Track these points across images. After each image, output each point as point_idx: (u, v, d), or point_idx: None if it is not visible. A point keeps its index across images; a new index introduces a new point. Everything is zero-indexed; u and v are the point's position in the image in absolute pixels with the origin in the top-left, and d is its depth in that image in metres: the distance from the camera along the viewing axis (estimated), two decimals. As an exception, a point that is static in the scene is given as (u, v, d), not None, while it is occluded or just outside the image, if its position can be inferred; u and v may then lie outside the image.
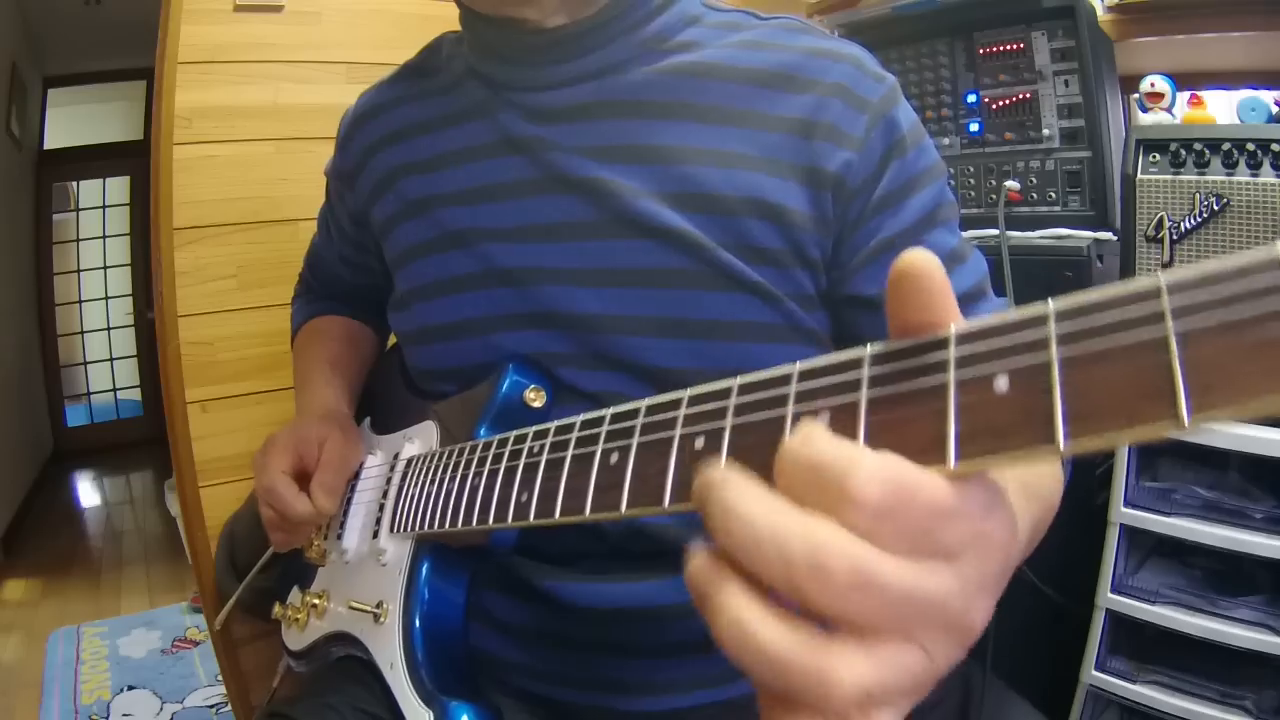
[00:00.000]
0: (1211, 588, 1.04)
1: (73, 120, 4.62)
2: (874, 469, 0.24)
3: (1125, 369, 0.23)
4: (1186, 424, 0.22)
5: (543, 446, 0.45)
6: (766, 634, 0.24)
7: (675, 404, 0.36)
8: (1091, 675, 1.08)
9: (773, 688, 0.25)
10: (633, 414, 0.39)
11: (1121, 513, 1.05)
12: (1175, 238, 1.05)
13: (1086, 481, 1.16)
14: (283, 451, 0.66)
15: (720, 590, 0.25)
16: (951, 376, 0.27)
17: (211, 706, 1.98)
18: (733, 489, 0.26)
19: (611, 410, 0.40)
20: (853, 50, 0.60)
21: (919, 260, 0.28)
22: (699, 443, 0.34)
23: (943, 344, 0.27)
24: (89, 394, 5.03)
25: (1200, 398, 0.22)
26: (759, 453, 0.31)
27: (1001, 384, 0.25)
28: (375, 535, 0.65)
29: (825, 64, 0.58)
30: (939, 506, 0.25)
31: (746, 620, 0.25)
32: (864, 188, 0.57)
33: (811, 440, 0.26)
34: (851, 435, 0.28)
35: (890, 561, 0.24)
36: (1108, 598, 1.06)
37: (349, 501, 0.70)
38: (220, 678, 1.77)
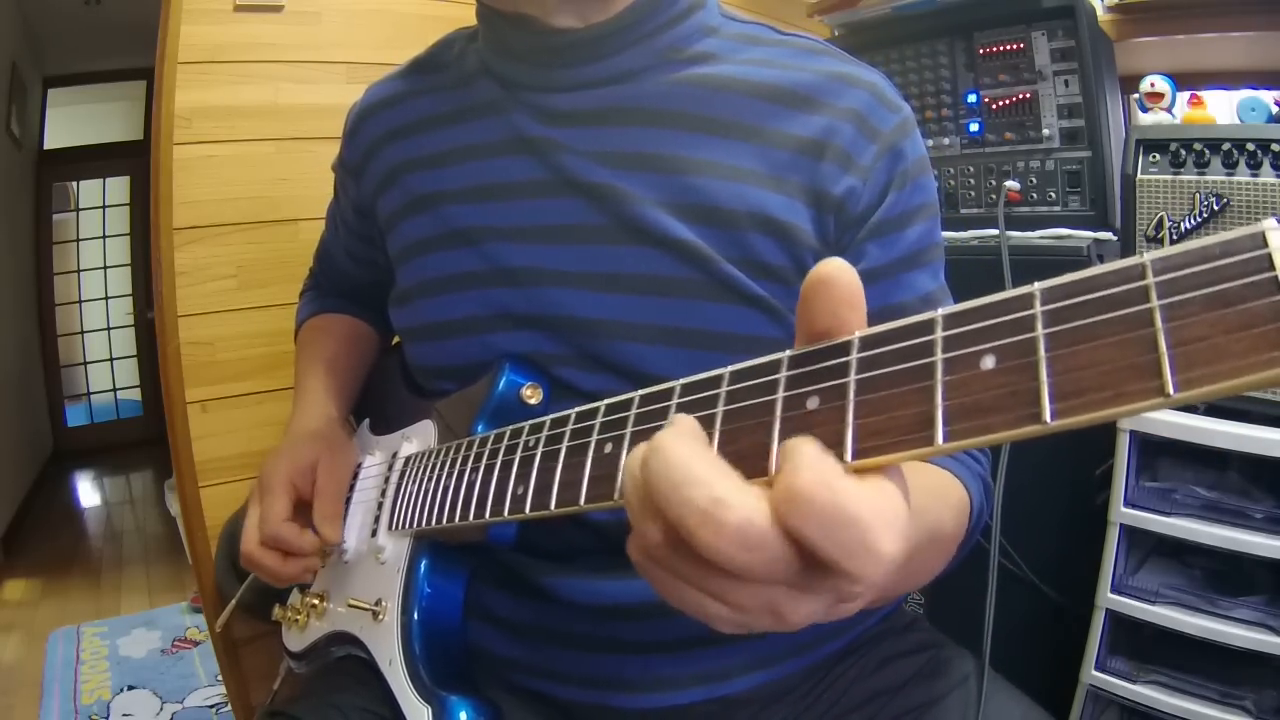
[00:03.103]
0: (1211, 588, 1.04)
1: (73, 120, 4.62)
2: (893, 525, 0.26)
3: (1111, 344, 0.23)
4: (1173, 398, 0.22)
5: (538, 440, 0.46)
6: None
7: (669, 393, 0.37)
8: (1091, 675, 1.08)
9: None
10: (627, 404, 0.39)
11: (1121, 513, 1.05)
12: (1175, 238, 1.04)
13: (1086, 481, 1.16)
14: (278, 495, 0.65)
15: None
16: (939, 356, 0.27)
17: (211, 706, 1.98)
18: (671, 433, 0.29)
19: (606, 402, 0.41)
20: (872, 77, 0.60)
21: (834, 269, 0.30)
22: None
23: (930, 326, 0.28)
24: (89, 394, 5.03)
25: (1186, 372, 0.22)
26: (750, 437, 0.32)
27: (988, 362, 0.26)
28: (374, 534, 0.65)
29: (842, 88, 0.58)
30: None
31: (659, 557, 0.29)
32: (863, 215, 0.58)
33: (833, 488, 0.26)
34: (841, 418, 0.29)
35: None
36: (1108, 598, 1.06)
37: (348, 502, 0.70)
38: (220, 678, 1.77)
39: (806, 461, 0.27)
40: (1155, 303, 0.23)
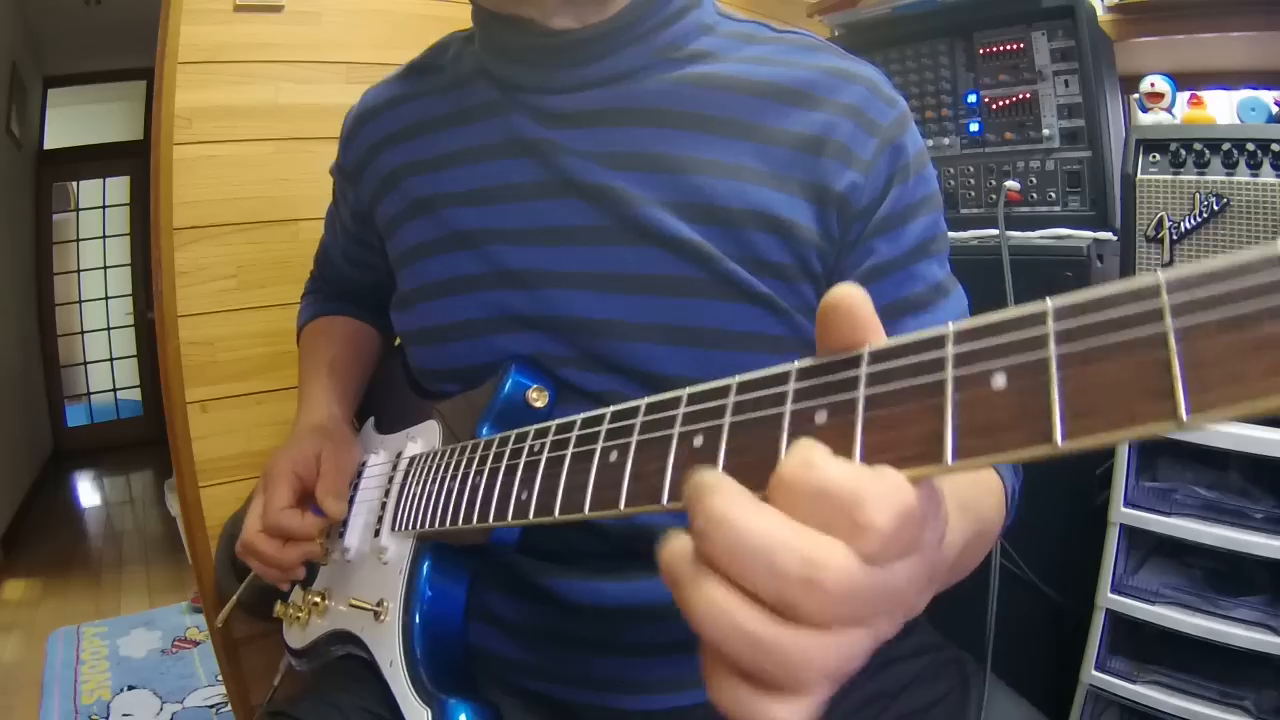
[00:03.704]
0: (1211, 588, 1.04)
1: (73, 120, 4.62)
2: (883, 499, 0.26)
3: (1124, 366, 0.23)
4: (1185, 422, 0.21)
5: (543, 445, 0.46)
6: (749, 621, 0.25)
7: (675, 402, 0.36)
8: (1091, 675, 1.08)
9: (746, 666, 0.26)
10: (632, 413, 0.39)
11: (1121, 513, 1.05)
12: (1175, 238, 1.05)
13: (1086, 481, 1.16)
14: (281, 483, 0.65)
15: (698, 580, 0.27)
16: (949, 373, 0.27)
17: (211, 706, 1.98)
18: (722, 496, 0.27)
19: (612, 409, 0.40)
20: (868, 71, 0.60)
21: (847, 294, 0.30)
22: (697, 441, 0.34)
23: (941, 342, 0.28)
24: (89, 394, 5.03)
25: (1199, 396, 0.21)
26: (757, 450, 0.31)
27: (999, 381, 0.25)
28: (377, 534, 0.65)
29: (839, 83, 0.59)
30: (923, 517, 0.27)
31: (730, 609, 0.26)
32: (867, 210, 0.58)
33: (813, 465, 0.26)
34: (849, 433, 0.28)
35: (877, 573, 0.26)
36: (1108, 598, 1.06)
37: (351, 500, 0.70)
38: (220, 678, 1.77)
39: (793, 451, 0.27)
40: (1170, 323, 0.22)
